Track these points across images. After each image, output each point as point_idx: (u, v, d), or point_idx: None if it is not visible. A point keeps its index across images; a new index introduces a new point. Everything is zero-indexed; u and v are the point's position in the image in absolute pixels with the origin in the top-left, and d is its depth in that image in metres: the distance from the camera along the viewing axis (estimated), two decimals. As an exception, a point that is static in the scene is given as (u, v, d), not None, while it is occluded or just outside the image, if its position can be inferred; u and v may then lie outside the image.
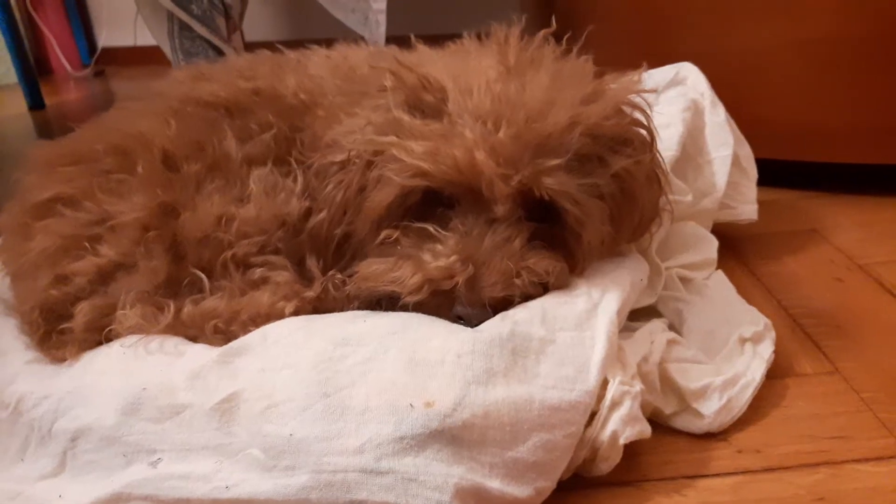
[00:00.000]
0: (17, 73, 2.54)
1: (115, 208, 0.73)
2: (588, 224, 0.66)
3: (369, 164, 0.68)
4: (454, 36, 0.80)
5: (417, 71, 0.69)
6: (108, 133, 0.79)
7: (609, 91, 0.68)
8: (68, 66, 3.19)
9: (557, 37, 0.72)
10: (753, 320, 0.78)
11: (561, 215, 0.66)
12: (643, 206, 0.71)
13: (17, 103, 2.57)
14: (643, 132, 0.70)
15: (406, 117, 0.67)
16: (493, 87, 0.64)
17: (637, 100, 0.70)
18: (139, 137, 0.77)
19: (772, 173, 1.14)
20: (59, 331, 0.72)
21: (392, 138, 0.66)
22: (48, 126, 2.38)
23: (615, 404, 0.62)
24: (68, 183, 0.75)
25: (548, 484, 0.59)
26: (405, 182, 0.65)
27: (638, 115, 0.70)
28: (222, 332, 0.70)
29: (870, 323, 0.84)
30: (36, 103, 2.54)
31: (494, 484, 0.56)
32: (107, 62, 3.30)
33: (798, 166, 1.24)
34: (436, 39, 0.80)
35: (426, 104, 0.67)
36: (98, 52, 3.25)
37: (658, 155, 0.72)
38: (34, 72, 2.58)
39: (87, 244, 0.72)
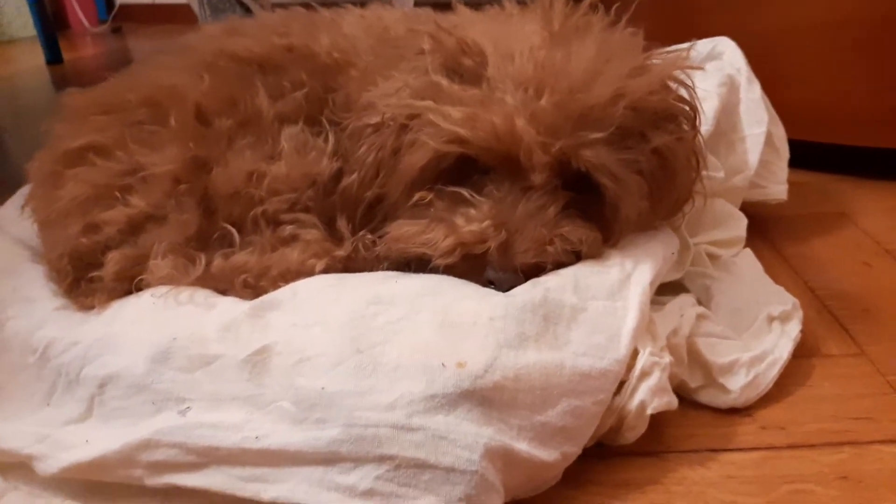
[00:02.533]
0: (36, 27, 2.52)
1: (148, 159, 0.73)
2: (625, 199, 0.65)
3: (404, 128, 0.68)
4: (491, 2, 0.79)
5: (457, 34, 0.68)
6: (141, 85, 0.78)
7: (656, 65, 0.67)
8: (86, 22, 3.17)
9: (605, 5, 0.71)
10: (781, 300, 0.78)
11: (598, 187, 0.65)
12: (681, 184, 0.70)
13: (36, 57, 2.56)
14: (687, 108, 0.69)
15: (444, 81, 0.66)
16: (536, 54, 0.63)
17: (683, 76, 0.69)
18: (172, 90, 0.77)
19: (802, 155, 1.12)
20: (88, 279, 0.72)
21: (429, 103, 0.65)
22: (65, 81, 2.38)
23: (644, 374, 0.62)
24: (101, 132, 0.75)
25: (574, 449, 0.59)
26: (440, 147, 0.65)
27: (683, 92, 0.69)
28: (252, 286, 0.70)
29: (897, 307, 0.84)
30: (54, 58, 2.53)
31: (522, 446, 0.56)
32: (124, 19, 3.29)
33: (829, 149, 1.23)
34: (473, 6, 0.79)
35: (465, 68, 0.66)
36: (116, 8, 3.23)
37: (699, 135, 0.71)
38: (53, 26, 2.56)
39: (118, 194, 0.72)
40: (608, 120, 0.63)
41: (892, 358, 0.75)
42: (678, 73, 0.69)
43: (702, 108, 0.71)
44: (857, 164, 1.23)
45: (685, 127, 0.69)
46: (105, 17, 3.25)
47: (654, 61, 0.68)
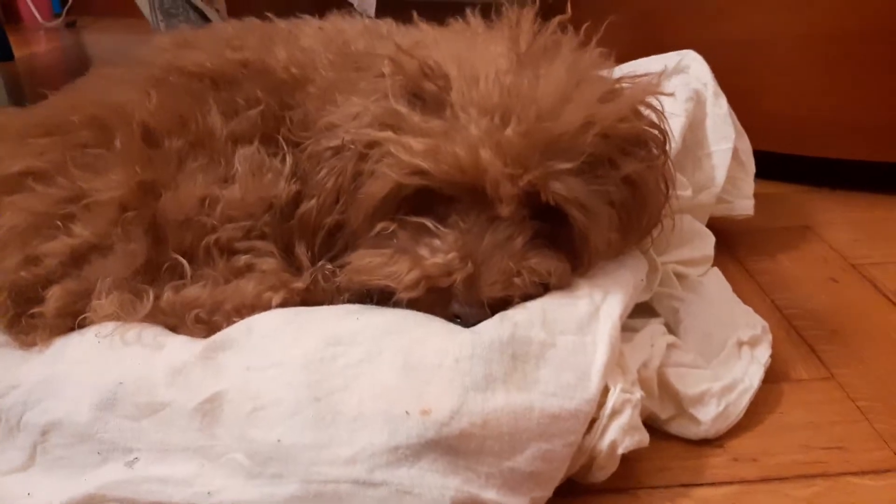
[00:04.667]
0: (-17, 23, 2.42)
1: (91, 185, 0.68)
2: (595, 231, 0.63)
3: (363, 156, 0.65)
4: (453, 3, 0.76)
5: (418, 56, 0.64)
6: (85, 103, 0.74)
7: (626, 90, 0.65)
8: (38, 16, 3.05)
9: (574, 25, 0.68)
10: (750, 323, 0.77)
11: (567, 218, 0.63)
12: (651, 211, 0.69)
13: (-16, 55, 2.45)
14: (657, 133, 0.67)
15: (404, 110, 0.63)
16: (502, 79, 0.60)
17: (654, 101, 0.67)
18: (118, 109, 0.72)
19: (766, 166, 1.12)
20: (29, 315, 0.68)
21: (389, 133, 0.62)
22: (17, 80, 2.28)
23: (615, 413, 0.60)
24: (40, 156, 0.70)
25: (544, 493, 0.57)
26: (401, 179, 0.62)
27: (653, 116, 0.67)
28: (204, 322, 0.66)
29: (864, 327, 0.84)
30: (4, 55, 2.42)
31: (490, 495, 0.54)
32: (79, 12, 3.17)
33: (791, 159, 1.23)
34: (434, 7, 0.76)
35: (427, 93, 0.63)
36: (70, 1, 3.12)
37: (669, 159, 0.69)
38: (2, 20, 2.45)
39: (59, 223, 0.68)
40: (578, 149, 0.60)
41: (861, 381, 0.74)
42: (650, 99, 0.66)
43: (671, 130, 0.69)
44: (820, 175, 1.24)
45: (655, 152, 0.67)
46: (59, 11, 3.13)
47: (625, 85, 0.65)
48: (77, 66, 2.58)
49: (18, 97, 2.17)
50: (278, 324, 0.63)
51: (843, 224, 1.10)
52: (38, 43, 2.84)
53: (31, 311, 0.67)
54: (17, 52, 2.47)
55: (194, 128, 0.73)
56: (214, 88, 0.77)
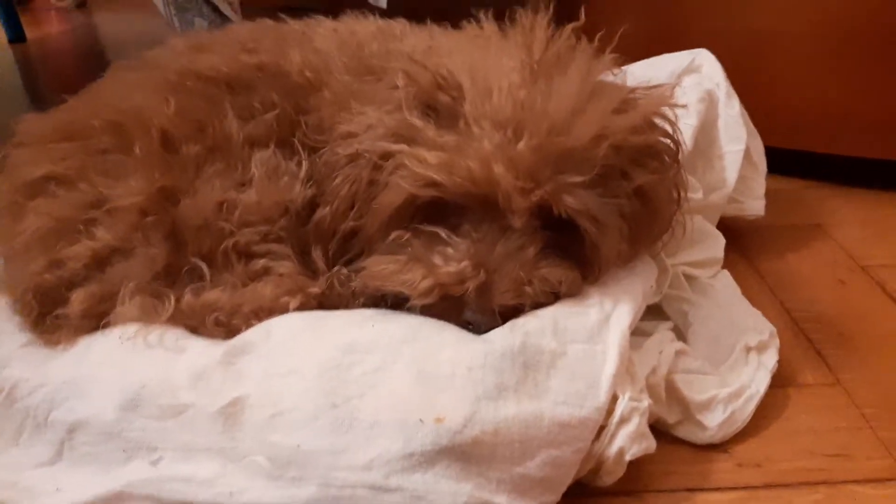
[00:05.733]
0: (-5, 4, 2.42)
1: (112, 191, 0.70)
2: (606, 242, 0.64)
3: (378, 166, 0.66)
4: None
5: (431, 67, 0.65)
6: (104, 108, 0.75)
7: (640, 102, 0.65)
8: (49, -3, 3.05)
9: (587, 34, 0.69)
10: (758, 327, 0.78)
11: (578, 228, 0.64)
12: (661, 220, 0.70)
13: (-4, 36, 2.46)
14: (670, 143, 0.68)
15: (419, 122, 0.64)
16: (515, 92, 0.61)
17: (668, 112, 0.67)
18: (137, 115, 0.74)
19: (776, 161, 1.12)
20: (54, 315, 0.70)
21: (403, 146, 0.63)
22: (30, 61, 2.29)
23: (623, 420, 0.61)
24: (62, 161, 0.72)
25: (553, 498, 0.59)
26: (416, 191, 0.63)
27: (666, 127, 0.68)
28: (224, 324, 0.68)
29: (871, 332, 0.84)
30: (17, 36, 2.43)
31: (501, 500, 0.55)
32: (90, -7, 3.17)
33: (802, 155, 1.23)
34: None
35: (441, 104, 0.64)
36: (80, -18, 3.11)
37: (682, 168, 0.70)
38: (13, 2, 2.45)
39: (82, 227, 0.70)
40: (590, 162, 0.61)
41: (866, 388, 0.75)
42: (664, 110, 0.67)
43: (684, 140, 0.70)
44: (830, 171, 1.24)
45: (668, 162, 0.68)
46: (69, -8, 3.12)
47: (639, 96, 0.66)
48: (89, 47, 2.58)
49: (32, 79, 2.18)
50: (297, 329, 0.65)
51: (854, 223, 1.10)
52: (50, 24, 2.85)
53: (56, 311, 0.70)
54: (29, 34, 2.48)
55: (211, 133, 0.74)
56: (230, 92, 0.78)
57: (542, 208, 0.63)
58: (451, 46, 0.71)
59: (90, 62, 2.29)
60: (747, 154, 0.98)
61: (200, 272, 0.71)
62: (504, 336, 0.61)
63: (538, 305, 0.65)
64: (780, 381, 0.75)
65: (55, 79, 2.13)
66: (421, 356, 0.60)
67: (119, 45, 2.47)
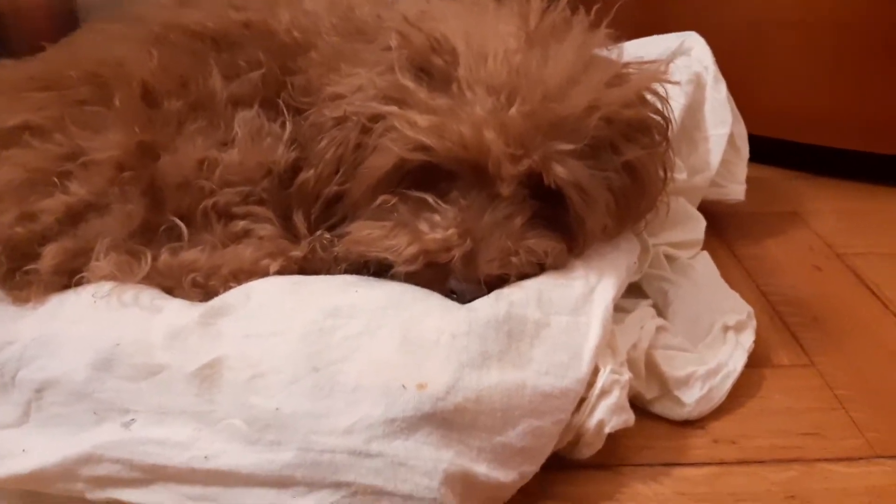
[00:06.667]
0: (-36, -42, 2.32)
1: (89, 144, 0.68)
2: (592, 215, 0.64)
3: (366, 129, 0.64)
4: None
5: (426, 30, 0.64)
6: (84, 59, 0.72)
7: (634, 76, 0.65)
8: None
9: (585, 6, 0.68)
10: (736, 308, 0.79)
11: (565, 199, 0.63)
12: (648, 197, 0.69)
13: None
14: (661, 120, 0.68)
15: (411, 84, 0.62)
16: (511, 58, 0.60)
17: (659, 88, 0.67)
18: (117, 66, 0.71)
19: (759, 150, 1.13)
20: (23, 271, 0.68)
21: (394, 108, 0.62)
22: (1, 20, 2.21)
23: (604, 393, 0.61)
24: (38, 111, 0.69)
25: (533, 468, 0.59)
26: (405, 154, 0.62)
27: (657, 103, 0.67)
28: (201, 286, 0.67)
29: (846, 317, 0.86)
30: (-15, -7, 2.34)
31: (481, 468, 0.55)
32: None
33: (783, 144, 1.24)
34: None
35: (434, 67, 0.63)
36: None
37: (671, 146, 0.70)
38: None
39: (56, 180, 0.67)
40: (581, 131, 0.61)
41: (839, 370, 0.77)
42: (656, 86, 0.67)
43: (674, 117, 0.70)
44: (809, 162, 1.25)
45: (657, 138, 0.68)
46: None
47: (632, 71, 0.66)
48: (63, 6, 2.51)
49: (3, 39, 2.11)
50: (277, 292, 0.63)
51: (831, 212, 1.11)
52: (21, -18, 2.75)
53: (26, 267, 0.67)
54: (0, -8, 2.39)
55: (195, 89, 0.72)
56: (216, 49, 0.76)
57: (531, 177, 0.62)
58: (446, 11, 0.70)
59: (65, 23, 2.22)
60: (731, 139, 0.98)
61: (178, 231, 0.69)
62: (489, 305, 0.61)
63: (524, 276, 0.65)
64: (757, 361, 0.76)
65: (29, 38, 2.07)
66: (405, 322, 0.59)
67: (95, 7, 2.40)
